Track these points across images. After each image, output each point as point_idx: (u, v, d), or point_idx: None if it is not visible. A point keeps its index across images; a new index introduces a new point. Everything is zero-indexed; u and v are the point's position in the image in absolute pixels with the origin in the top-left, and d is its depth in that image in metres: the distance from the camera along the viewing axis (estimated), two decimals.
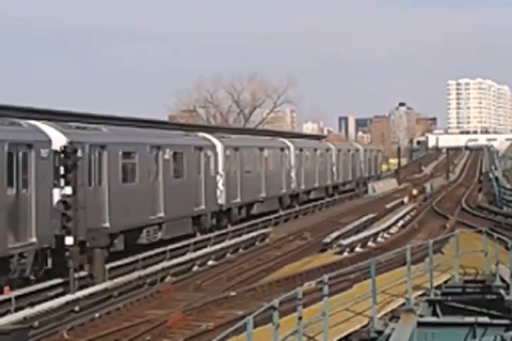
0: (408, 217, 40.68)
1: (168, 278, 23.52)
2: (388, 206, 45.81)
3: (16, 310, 17.95)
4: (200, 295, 20.65)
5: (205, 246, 28.73)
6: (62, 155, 20.45)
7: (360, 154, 66.45)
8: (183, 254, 26.82)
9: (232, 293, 20.24)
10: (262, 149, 40.77)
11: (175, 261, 25.16)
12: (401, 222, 38.26)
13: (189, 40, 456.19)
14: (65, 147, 20.56)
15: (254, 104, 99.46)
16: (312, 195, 50.66)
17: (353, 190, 61.23)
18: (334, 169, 56.38)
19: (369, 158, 69.47)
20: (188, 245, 28.17)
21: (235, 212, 35.95)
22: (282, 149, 44.82)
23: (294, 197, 46.50)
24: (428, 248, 18.73)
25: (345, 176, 60.22)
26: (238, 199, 36.25)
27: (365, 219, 37.29)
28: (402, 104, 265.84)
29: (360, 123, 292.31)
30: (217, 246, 28.58)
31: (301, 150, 48.25)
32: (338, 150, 58.76)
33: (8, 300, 18.21)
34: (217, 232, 31.74)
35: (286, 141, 46.92)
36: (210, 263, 26.75)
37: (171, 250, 26.63)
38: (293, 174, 46.04)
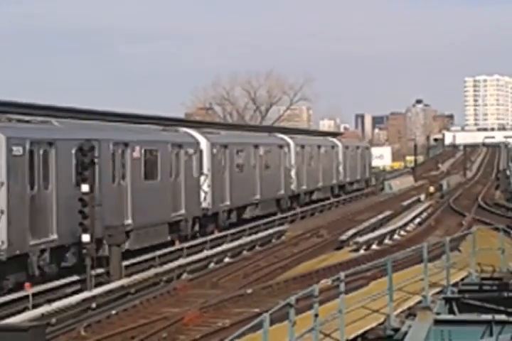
0: (425, 215, 40.56)
1: (184, 276, 23.57)
2: (405, 203, 45.69)
3: (34, 307, 18.04)
4: (217, 292, 20.68)
5: (221, 244, 28.76)
6: (79, 153, 20.54)
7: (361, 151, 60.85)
8: (200, 252, 26.86)
9: (249, 291, 20.25)
10: (256, 146, 36.95)
11: (191, 258, 25.20)
12: (418, 220, 38.15)
13: (206, 38, 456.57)
14: (81, 145, 20.65)
15: (270, 101, 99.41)
16: (315, 196, 47.25)
17: (360, 190, 58.02)
18: (341, 168, 53.04)
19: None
20: (204, 242, 28.22)
21: (223, 217, 31.94)
22: (281, 146, 41.40)
23: (295, 198, 43.15)
24: (445, 245, 18.67)
25: (353, 175, 56.84)
26: (227, 202, 32.51)
27: (381, 216, 37.21)
28: (419, 101, 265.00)
29: (377, 121, 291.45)
30: (234, 244, 28.59)
31: (302, 147, 44.93)
32: (346, 147, 55.36)
33: (26, 297, 18.31)
34: (233, 230, 31.75)
35: (286, 137, 43.59)
36: (227, 260, 26.78)
37: (188, 247, 26.69)
38: (293, 173, 42.61)
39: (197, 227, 29.28)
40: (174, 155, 27.68)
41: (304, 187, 44.65)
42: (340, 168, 52.87)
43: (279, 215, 38.26)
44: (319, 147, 48.76)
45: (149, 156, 25.73)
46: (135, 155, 24.64)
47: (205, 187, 30.52)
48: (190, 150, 28.95)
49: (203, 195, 30.28)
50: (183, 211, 27.89)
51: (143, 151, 25.23)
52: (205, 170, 30.58)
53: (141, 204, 24.65)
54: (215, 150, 31.68)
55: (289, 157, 42.63)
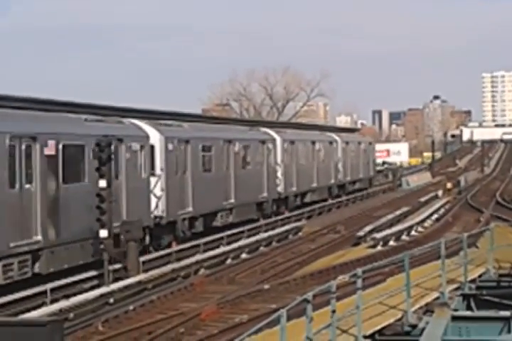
0: (442, 211, 40.45)
1: (201, 271, 23.60)
2: (422, 199, 45.57)
3: (52, 302, 18.12)
4: (234, 288, 20.71)
5: (238, 240, 28.78)
6: (96, 149, 20.61)
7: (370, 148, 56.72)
8: (217, 247, 26.88)
9: (266, 286, 20.26)
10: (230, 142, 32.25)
11: (208, 254, 25.23)
12: (435, 216, 38.06)
13: (222, 34, 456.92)
14: (99, 141, 20.71)
15: (287, 97, 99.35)
16: (308, 198, 42.03)
17: (363, 190, 53.78)
18: (340, 165, 48.14)
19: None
20: (221, 238, 28.24)
21: (183, 226, 27.64)
22: (263, 142, 36.32)
23: (283, 202, 38.36)
24: (462, 241, 18.60)
25: (355, 173, 52.24)
26: (189, 209, 28.07)
27: (399, 212, 37.14)
28: (436, 97, 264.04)
29: (394, 117, 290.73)
30: (251, 239, 28.60)
31: (292, 142, 39.74)
32: (346, 143, 50.21)
33: (44, 292, 18.38)
34: (250, 226, 31.76)
35: (271, 131, 38.24)
36: (244, 256, 26.79)
37: (205, 243, 26.72)
38: (279, 173, 37.90)
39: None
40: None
41: (294, 188, 39.46)
42: (340, 166, 48.11)
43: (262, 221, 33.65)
44: (313, 143, 43.45)
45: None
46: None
47: (157, 190, 25.99)
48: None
49: (154, 200, 25.75)
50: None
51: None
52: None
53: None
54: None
55: (275, 154, 37.61)
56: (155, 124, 27.10)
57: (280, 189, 37.52)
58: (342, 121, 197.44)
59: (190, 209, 27.97)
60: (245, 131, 36.46)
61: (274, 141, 37.61)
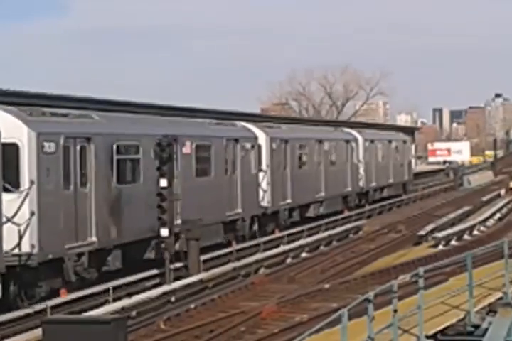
0: (505, 210, 39.90)
1: (261, 270, 23.65)
2: (484, 198, 44.99)
3: (114, 300, 18.34)
4: (294, 287, 20.71)
5: (298, 239, 28.79)
6: (157, 149, 20.79)
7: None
8: (277, 246, 26.93)
9: (326, 286, 20.23)
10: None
11: (268, 253, 25.28)
12: (498, 215, 37.56)
13: (280, 33, 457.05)
14: (160, 140, 20.89)
15: (346, 96, 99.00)
16: (312, 212, 33.96)
17: (395, 197, 45.54)
18: (361, 169, 40.60)
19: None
20: (281, 237, 28.29)
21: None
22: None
23: (270, 218, 29.87)
24: None
25: (382, 178, 44.04)
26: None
27: (460, 211, 36.76)
28: (498, 95, 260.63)
29: (455, 115, 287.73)
30: (311, 239, 28.59)
31: (285, 141, 31.34)
32: (370, 142, 42.67)
33: (107, 290, 18.61)
34: (309, 225, 31.74)
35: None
36: (304, 255, 26.78)
37: (265, 242, 26.79)
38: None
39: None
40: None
41: (289, 200, 31.11)
42: (361, 170, 40.65)
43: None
44: (320, 142, 35.35)
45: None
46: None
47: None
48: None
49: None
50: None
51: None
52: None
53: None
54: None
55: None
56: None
57: (265, 204, 30.87)
58: (402, 120, 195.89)
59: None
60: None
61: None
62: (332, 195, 35.93)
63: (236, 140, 27.07)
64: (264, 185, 28.97)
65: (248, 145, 27.80)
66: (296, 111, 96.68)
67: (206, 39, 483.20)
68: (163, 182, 20.63)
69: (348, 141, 39.29)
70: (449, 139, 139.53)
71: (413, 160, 75.91)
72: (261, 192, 28.81)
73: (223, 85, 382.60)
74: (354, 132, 41.18)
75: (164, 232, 20.55)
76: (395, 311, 12.85)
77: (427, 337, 13.65)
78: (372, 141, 42.70)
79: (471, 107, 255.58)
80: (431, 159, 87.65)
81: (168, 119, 25.33)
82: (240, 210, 27.02)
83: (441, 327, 14.35)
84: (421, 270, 13.93)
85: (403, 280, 16.45)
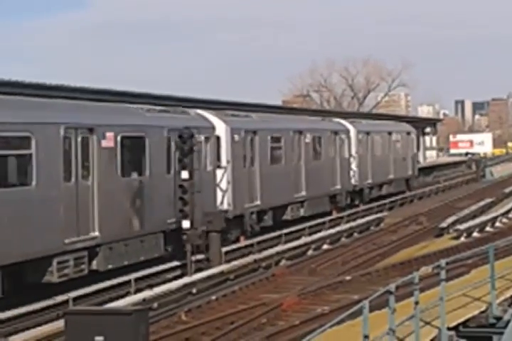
0: None
1: (282, 262, 23.66)
2: (507, 190, 44.73)
3: (136, 291, 18.42)
4: (315, 279, 20.71)
5: (319, 231, 28.77)
6: (179, 140, 20.83)
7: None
8: (298, 238, 26.93)
9: (347, 277, 20.22)
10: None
11: (290, 244, 25.28)
12: None
13: (301, 25, 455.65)
14: (181, 132, 20.93)
15: (368, 87, 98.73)
16: (289, 215, 29.36)
17: (397, 194, 41.39)
18: (354, 165, 36.41)
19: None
20: (303, 229, 28.28)
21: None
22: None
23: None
24: None
25: (381, 174, 40.00)
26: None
27: (482, 203, 36.58)
28: None
29: (477, 106, 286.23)
30: (332, 231, 28.57)
31: (253, 133, 26.99)
32: (366, 134, 38.43)
33: (128, 282, 18.69)
34: (330, 217, 31.71)
35: (212, 117, 25.67)
36: (325, 247, 26.78)
37: (286, 234, 26.79)
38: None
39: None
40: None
41: (257, 202, 26.75)
42: (354, 166, 36.37)
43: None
44: (301, 133, 30.78)
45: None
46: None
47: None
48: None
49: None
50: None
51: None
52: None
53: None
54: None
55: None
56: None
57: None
58: (424, 112, 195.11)
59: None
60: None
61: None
62: (316, 194, 31.22)
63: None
64: (223, 184, 24.65)
65: (201, 138, 22.90)
66: (318, 103, 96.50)
67: (228, 32, 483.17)
68: (185, 174, 20.69)
69: (336, 133, 34.46)
70: (471, 131, 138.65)
71: (434, 153, 75.78)
72: (219, 193, 24.46)
73: (245, 78, 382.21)
74: (346, 123, 36.63)
75: (186, 224, 20.60)
76: (417, 303, 12.81)
77: (449, 328, 13.61)
78: (367, 133, 38.18)
79: (493, 99, 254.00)
80: (453, 151, 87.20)
81: (82, 103, 20.82)
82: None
83: (462, 319, 14.29)
84: (443, 262, 13.87)
85: (425, 272, 16.42)
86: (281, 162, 29.09)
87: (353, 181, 36.08)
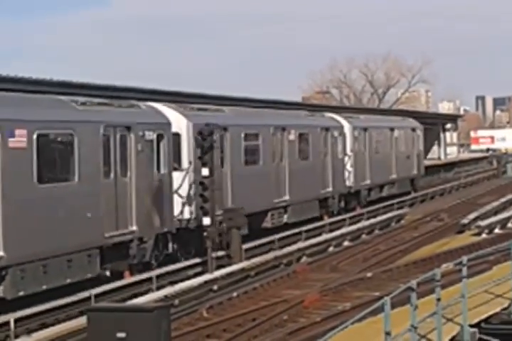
0: None
1: (303, 259, 23.66)
2: None
3: (158, 288, 18.48)
4: (336, 275, 20.70)
5: (340, 227, 28.74)
6: (199, 137, 20.85)
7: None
8: (319, 235, 26.92)
9: (369, 274, 20.19)
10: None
11: (310, 241, 25.27)
12: None
13: (320, 21, 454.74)
14: (201, 129, 20.94)
15: (388, 83, 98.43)
16: (269, 222, 26.42)
17: (401, 196, 38.24)
18: (349, 165, 33.18)
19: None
20: (323, 226, 28.26)
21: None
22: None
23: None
24: None
25: (382, 174, 36.89)
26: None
27: (504, 200, 36.40)
28: None
29: (498, 102, 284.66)
30: (353, 227, 28.53)
31: (224, 129, 23.49)
32: (363, 130, 35.22)
33: (150, 279, 18.76)
34: (350, 214, 31.65)
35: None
36: (346, 244, 26.74)
37: (306, 231, 26.78)
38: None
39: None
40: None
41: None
42: (349, 166, 33.25)
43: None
44: (283, 130, 27.75)
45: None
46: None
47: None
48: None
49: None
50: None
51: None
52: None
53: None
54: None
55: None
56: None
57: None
58: (444, 108, 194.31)
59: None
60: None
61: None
62: (302, 198, 28.19)
63: (128, 128, 19.31)
64: (183, 190, 21.98)
65: (151, 136, 20.11)
66: (338, 99, 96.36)
67: (248, 28, 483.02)
68: (205, 171, 20.73)
69: (327, 129, 31.24)
70: (492, 127, 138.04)
71: (455, 149, 75.42)
72: (178, 201, 21.72)
73: (265, 74, 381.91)
74: (339, 118, 33.43)
75: (206, 221, 20.65)
76: (438, 300, 12.79)
77: (471, 325, 13.57)
78: (364, 129, 34.95)
79: None
80: (474, 147, 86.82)
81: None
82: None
83: (484, 316, 14.26)
84: (464, 258, 13.84)
85: (446, 268, 16.37)
86: (258, 162, 25.94)
87: (347, 183, 33.00)
